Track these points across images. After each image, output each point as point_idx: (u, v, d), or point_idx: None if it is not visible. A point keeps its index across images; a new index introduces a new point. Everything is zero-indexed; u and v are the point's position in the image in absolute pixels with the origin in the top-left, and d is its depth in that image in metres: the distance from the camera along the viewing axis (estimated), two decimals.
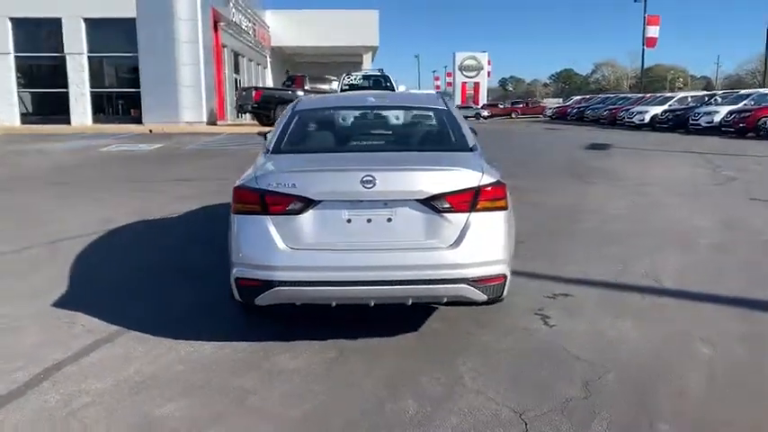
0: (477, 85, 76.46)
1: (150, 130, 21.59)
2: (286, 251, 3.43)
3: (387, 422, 2.87)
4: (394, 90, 18.56)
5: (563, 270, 5.19)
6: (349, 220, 3.45)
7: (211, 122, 25.18)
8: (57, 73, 23.41)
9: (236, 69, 36.17)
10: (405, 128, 4.71)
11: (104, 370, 3.39)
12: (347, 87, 18.34)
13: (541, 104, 62.56)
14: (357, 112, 4.93)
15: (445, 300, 3.55)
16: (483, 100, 71.96)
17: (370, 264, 3.40)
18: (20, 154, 15.28)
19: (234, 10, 32.33)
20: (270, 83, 41.24)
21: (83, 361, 3.50)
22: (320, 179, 3.51)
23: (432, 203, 3.43)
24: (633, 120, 29.12)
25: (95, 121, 23.73)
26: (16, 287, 4.82)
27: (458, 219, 3.46)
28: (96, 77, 23.68)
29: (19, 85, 23.65)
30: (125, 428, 2.82)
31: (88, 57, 23.41)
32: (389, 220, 3.46)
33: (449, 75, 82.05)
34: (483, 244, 3.50)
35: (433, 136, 4.49)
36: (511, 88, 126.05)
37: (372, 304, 3.53)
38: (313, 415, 2.94)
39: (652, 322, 4.07)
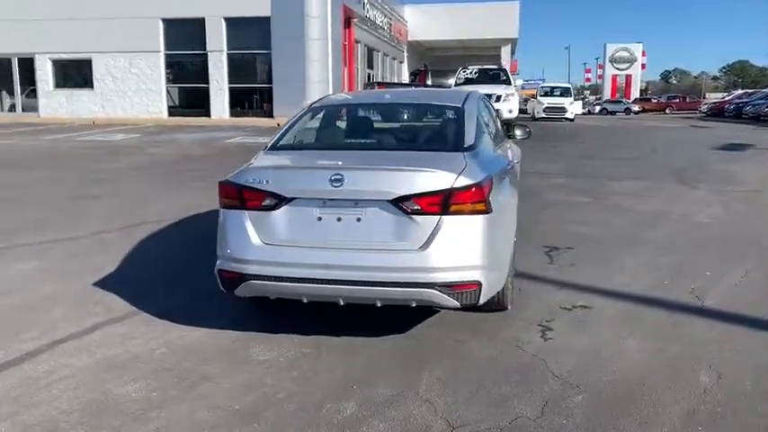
0: (628, 78, 72.69)
1: (278, 124, 22.72)
2: (260, 246, 3.53)
3: (315, 421, 2.88)
4: (510, 84, 18.11)
5: (604, 280, 4.86)
6: (320, 218, 3.48)
7: None
8: (199, 69, 25.31)
9: (370, 64, 37.05)
10: (409, 126, 4.62)
11: (99, 347, 3.69)
12: (462, 81, 18.16)
13: (699, 100, 58.11)
14: (368, 110, 4.91)
15: (414, 304, 3.47)
16: (635, 93, 68.15)
17: (339, 263, 3.41)
18: (157, 144, 16.71)
19: (368, 6, 33.13)
20: (405, 78, 41.89)
21: (86, 337, 3.83)
22: (292, 177, 3.57)
23: (401, 204, 3.37)
24: None
25: (232, 114, 25.37)
26: (77, 266, 5.32)
27: (428, 221, 3.37)
28: (234, 73, 25.28)
29: (167, 80, 25.86)
30: (82, 403, 3.05)
31: (227, 54, 25.06)
32: (359, 219, 3.44)
33: (600, 67, 78.68)
34: (454, 248, 3.38)
35: (432, 135, 4.37)
36: (674, 81, 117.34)
37: (342, 303, 3.54)
38: (250, 407, 3.01)
39: (663, 343, 3.71)
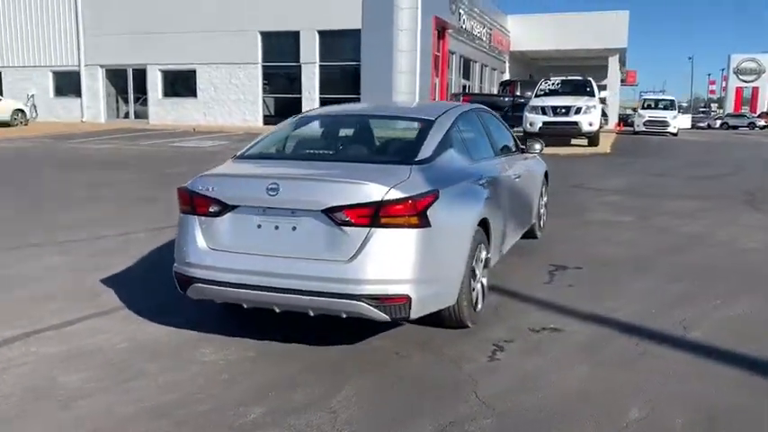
0: (755, 90, 68.16)
1: None
2: (206, 251, 3.70)
3: (215, 422, 2.98)
4: (594, 96, 17.47)
5: (593, 303, 4.64)
6: (259, 226, 3.60)
7: None
8: (292, 80, 26.30)
9: (467, 75, 36.93)
10: (372, 139, 4.63)
11: (70, 338, 3.99)
12: (542, 93, 17.73)
13: None
14: (341, 123, 4.96)
15: (344, 315, 3.50)
16: (763, 107, 63.67)
17: (274, 270, 3.51)
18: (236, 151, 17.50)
19: (465, 17, 33.08)
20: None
21: (65, 329, 4.15)
22: (234, 185, 3.71)
23: (331, 215, 3.42)
24: None
25: None
26: (95, 263, 5.72)
27: (357, 233, 3.40)
28: (324, 84, 26.06)
29: (264, 90, 27.06)
30: (26, 388, 3.32)
31: (319, 66, 25.88)
32: (294, 228, 3.52)
33: (725, 78, 74.26)
34: (383, 261, 3.39)
35: (389, 147, 4.35)
36: None
37: (278, 311, 3.63)
38: (167, 404, 3.15)
39: (614, 373, 3.51)
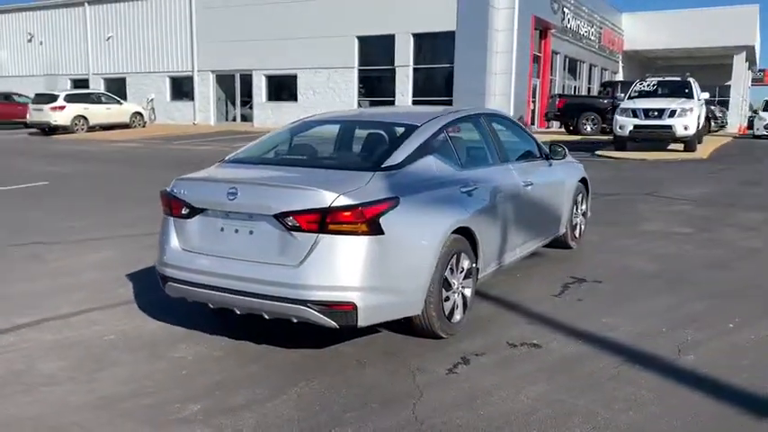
0: None
1: None
2: (179, 251, 3.87)
3: (149, 416, 3.13)
4: (692, 98, 16.32)
5: (592, 320, 4.39)
6: (222, 229, 3.72)
7: None
8: (387, 84, 26.58)
9: (573, 75, 35.74)
10: (352, 144, 4.57)
11: (69, 327, 4.31)
12: (636, 95, 16.78)
13: None
14: (331, 128, 4.95)
15: (295, 320, 3.54)
16: None
17: (233, 273, 3.62)
18: None
19: (570, 16, 32.02)
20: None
21: (70, 318, 4.48)
22: (200, 188, 3.85)
23: (282, 220, 3.48)
24: None
25: None
26: (130, 258, 6.11)
27: (305, 238, 3.43)
28: (418, 87, 26.13)
29: (360, 94, 27.56)
30: (4, 372, 3.62)
31: (413, 68, 25.99)
32: (251, 232, 3.61)
33: None
34: (329, 267, 3.40)
35: (361, 153, 4.29)
36: None
37: (238, 312, 3.73)
38: (118, 396, 3.34)
39: (572, 396, 3.31)
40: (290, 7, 27.36)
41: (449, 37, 24.72)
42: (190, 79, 31.39)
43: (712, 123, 25.54)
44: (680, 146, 16.08)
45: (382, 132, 4.45)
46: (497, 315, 4.55)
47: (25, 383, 3.49)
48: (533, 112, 28.46)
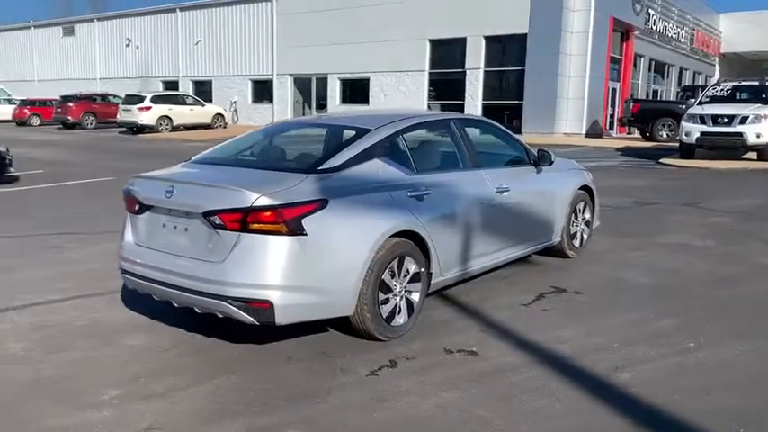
0: None
1: None
2: (132, 245, 4.12)
3: (66, 398, 3.36)
4: None
5: (547, 332, 4.28)
6: (164, 225, 3.92)
7: (594, 135, 24.74)
8: (457, 87, 26.43)
9: (660, 79, 34.24)
10: (306, 146, 4.61)
11: (49, 313, 4.64)
12: (707, 100, 15.84)
13: None
14: (293, 130, 5.02)
15: (219, 315, 3.68)
16: None
17: (170, 268, 3.82)
18: None
19: (656, 17, 30.71)
20: None
21: (53, 305, 4.82)
22: (147, 186, 4.06)
23: (209, 218, 3.63)
24: None
25: None
26: None
27: (229, 237, 3.57)
28: (487, 90, 25.84)
29: (430, 97, 27.56)
30: None
31: (484, 71, 25.72)
32: (187, 229, 3.79)
33: None
34: (248, 265, 3.52)
35: (310, 155, 4.32)
36: None
37: (176, 305, 3.92)
38: (48, 378, 3.59)
39: (480, 404, 3.27)
40: (365, 11, 27.76)
41: (520, 39, 24.32)
42: (270, 83, 32.47)
43: None
44: (754, 155, 15.09)
45: (334, 136, 4.52)
46: (453, 320, 4.53)
47: None
48: (611, 116, 27.47)
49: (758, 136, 14.25)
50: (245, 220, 3.52)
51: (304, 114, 32.37)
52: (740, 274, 5.75)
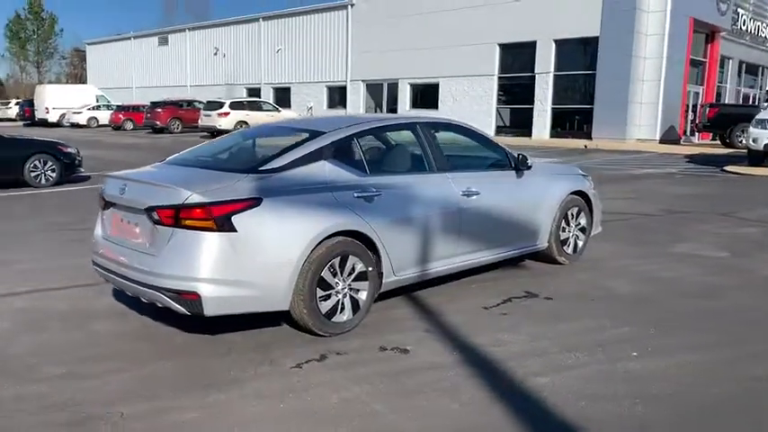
0: None
1: (585, 146, 22.00)
2: (99, 239, 4.47)
3: (14, 372, 3.72)
4: None
5: (490, 335, 4.28)
6: (122, 220, 4.24)
7: (669, 140, 23.69)
8: (525, 91, 26.05)
9: (753, 82, 32.32)
10: (267, 149, 4.76)
11: (43, 298, 5.08)
12: None
13: None
14: (259, 134, 5.20)
15: (159, 304, 3.95)
16: None
17: (123, 260, 4.13)
18: None
19: (746, 17, 29.05)
20: None
21: (51, 292, 5.28)
22: (109, 184, 4.38)
23: (149, 214, 3.91)
24: None
25: (552, 135, 25.42)
26: None
27: (164, 231, 3.84)
28: (557, 94, 25.30)
29: (499, 101, 27.30)
30: None
31: (554, 75, 25.20)
32: (137, 224, 4.09)
33: None
34: (178, 259, 3.77)
35: (258, 156, 4.47)
36: None
37: (130, 294, 4.23)
38: (13, 355, 3.99)
39: (378, 400, 3.37)
40: (436, 17, 27.89)
41: (592, 42, 23.70)
42: (344, 88, 33.19)
43: None
44: None
45: (289, 138, 4.69)
46: (406, 320, 4.61)
47: None
48: (693, 122, 26.19)
49: None
50: (177, 215, 3.77)
51: None
52: (735, 286, 5.47)
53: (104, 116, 38.94)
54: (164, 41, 45.83)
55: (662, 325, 4.51)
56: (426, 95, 29.77)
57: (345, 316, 4.29)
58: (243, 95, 36.85)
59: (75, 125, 39.18)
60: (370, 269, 4.38)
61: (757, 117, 14.57)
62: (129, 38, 49.07)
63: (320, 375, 3.69)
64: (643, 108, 23.53)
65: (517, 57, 26.31)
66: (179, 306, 3.81)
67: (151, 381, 3.62)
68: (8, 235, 7.64)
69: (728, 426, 3.14)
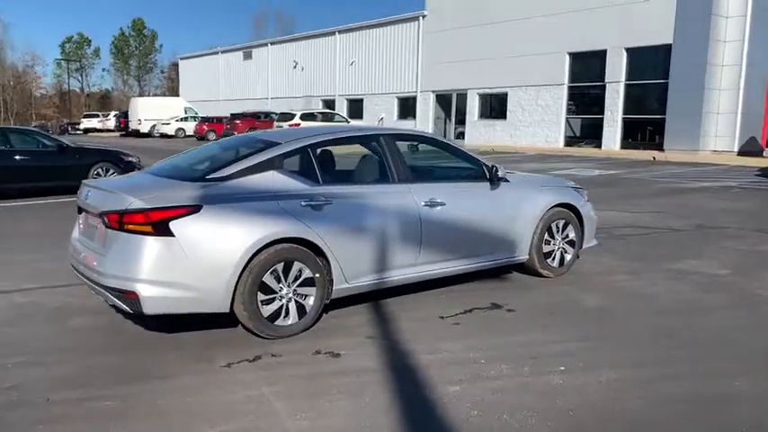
0: None
1: (653, 158, 21.12)
2: (74, 241, 4.85)
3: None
4: None
5: (429, 343, 4.32)
6: (88, 224, 4.60)
7: (750, 152, 22.35)
8: (595, 101, 25.33)
9: None
10: (215, 158, 4.93)
11: (42, 295, 5.53)
12: None
13: None
14: (225, 145, 5.42)
15: (109, 302, 4.26)
16: None
17: (86, 262, 4.48)
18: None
19: None
20: None
21: (54, 289, 5.74)
22: (81, 191, 4.75)
23: (102, 218, 4.24)
24: None
25: (623, 146, 24.55)
26: None
27: (112, 235, 4.15)
28: (628, 104, 24.43)
29: (568, 111, 26.67)
30: None
31: (625, 84, 24.36)
32: (96, 228, 4.43)
33: None
34: (121, 260, 4.07)
35: (213, 165, 4.64)
36: None
37: (94, 294, 4.57)
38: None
39: (275, 396, 3.52)
40: (505, 27, 27.69)
41: (665, 50, 22.78)
42: (413, 99, 33.45)
43: None
44: None
45: (245, 149, 4.91)
46: (357, 326, 4.70)
47: None
48: None
49: None
50: (121, 220, 4.08)
51: (445, 130, 32.88)
52: (715, 305, 5.22)
53: (191, 127, 41.08)
54: (248, 56, 47.82)
55: (609, 341, 4.40)
56: (494, 105, 29.57)
57: (290, 320, 4.45)
58: (319, 107, 37.88)
59: (164, 135, 41.57)
60: (318, 275, 4.52)
61: None
62: (217, 53, 51.51)
63: (243, 374, 3.88)
64: (720, 118, 22.36)
65: (587, 65, 25.67)
66: (123, 305, 4.11)
67: (92, 371, 3.92)
68: (55, 235, 8.32)
69: None
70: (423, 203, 5.04)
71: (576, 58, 25.97)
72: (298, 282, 4.45)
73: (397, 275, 4.99)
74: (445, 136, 32.44)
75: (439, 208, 5.11)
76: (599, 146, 24.99)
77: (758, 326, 4.73)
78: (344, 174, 4.99)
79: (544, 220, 5.81)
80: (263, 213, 4.34)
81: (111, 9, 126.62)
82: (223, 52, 50.91)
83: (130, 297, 4.04)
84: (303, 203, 4.50)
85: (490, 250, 5.54)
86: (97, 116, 57.01)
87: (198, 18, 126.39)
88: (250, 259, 4.22)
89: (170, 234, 4.02)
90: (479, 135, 29.85)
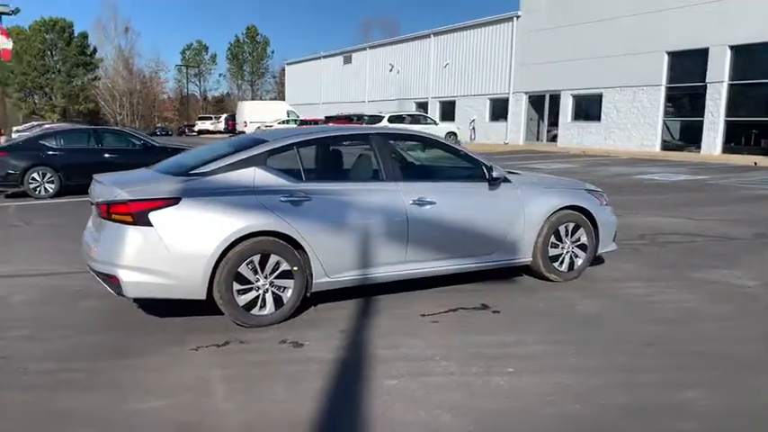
0: None
1: (755, 163, 19.60)
2: (87, 231, 5.29)
3: None
4: None
5: (402, 339, 4.39)
6: (95, 215, 5.02)
7: None
8: (695, 102, 23.82)
9: None
10: (212, 155, 5.11)
11: (63, 279, 6.05)
12: None
13: None
14: (232, 142, 5.61)
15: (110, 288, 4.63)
16: None
17: (86, 250, 4.90)
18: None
19: None
20: None
21: (72, 274, 6.21)
22: (92, 185, 5.17)
23: (97, 208, 4.63)
24: None
25: (725, 150, 22.92)
26: None
27: (104, 224, 4.53)
28: (732, 106, 22.77)
29: (666, 113, 25.24)
30: None
31: (728, 84, 22.75)
32: (96, 217, 4.84)
33: None
34: (107, 246, 4.44)
35: (200, 161, 4.86)
36: None
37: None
38: (6, 318, 4.95)
39: (227, 380, 3.73)
40: (600, 26, 26.71)
41: None
42: (505, 101, 32.94)
43: None
44: None
45: (233, 147, 5.13)
46: (336, 319, 4.80)
47: None
48: None
49: None
50: (109, 210, 4.44)
51: (538, 132, 32.11)
52: (718, 316, 4.87)
53: None
54: (348, 60, 48.95)
55: (583, 347, 4.25)
56: (588, 107, 28.53)
57: (266, 310, 4.65)
58: (412, 109, 38.14)
59: None
60: (296, 268, 4.69)
61: None
62: (320, 57, 53.10)
63: (206, 357, 4.12)
64: None
65: (687, 65, 24.19)
66: (110, 288, 4.47)
67: (79, 347, 4.31)
68: None
69: None
70: (410, 202, 5.08)
71: (675, 57, 24.54)
72: (275, 274, 4.64)
73: (383, 272, 5.06)
74: (538, 138, 31.76)
75: (428, 207, 5.13)
76: (698, 150, 23.50)
77: (746, 338, 4.40)
78: (334, 172, 5.13)
79: (550, 223, 5.67)
80: (241, 207, 4.56)
81: (228, 17, 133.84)
82: (325, 57, 52.39)
83: (113, 281, 4.39)
84: (282, 199, 4.68)
85: (487, 251, 5.48)
86: (210, 119, 60.49)
87: (307, 25, 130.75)
88: (226, 250, 4.46)
89: (149, 224, 4.33)
90: (572, 137, 28.92)
